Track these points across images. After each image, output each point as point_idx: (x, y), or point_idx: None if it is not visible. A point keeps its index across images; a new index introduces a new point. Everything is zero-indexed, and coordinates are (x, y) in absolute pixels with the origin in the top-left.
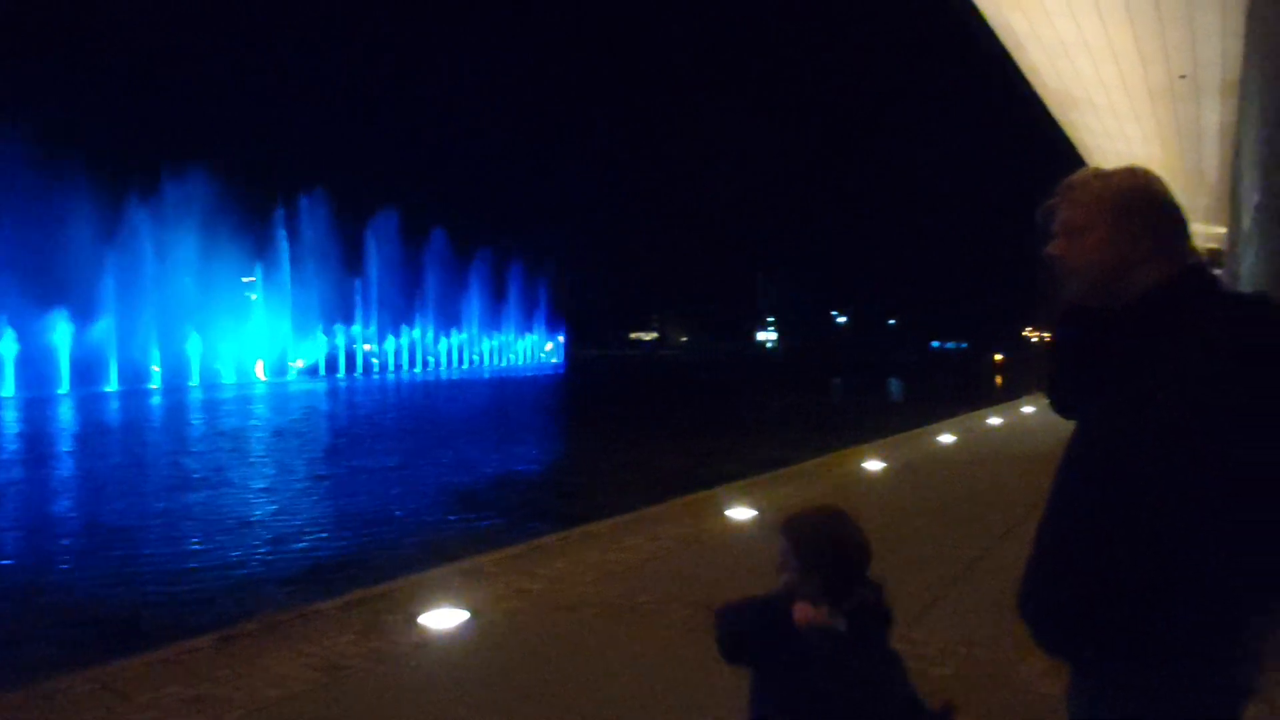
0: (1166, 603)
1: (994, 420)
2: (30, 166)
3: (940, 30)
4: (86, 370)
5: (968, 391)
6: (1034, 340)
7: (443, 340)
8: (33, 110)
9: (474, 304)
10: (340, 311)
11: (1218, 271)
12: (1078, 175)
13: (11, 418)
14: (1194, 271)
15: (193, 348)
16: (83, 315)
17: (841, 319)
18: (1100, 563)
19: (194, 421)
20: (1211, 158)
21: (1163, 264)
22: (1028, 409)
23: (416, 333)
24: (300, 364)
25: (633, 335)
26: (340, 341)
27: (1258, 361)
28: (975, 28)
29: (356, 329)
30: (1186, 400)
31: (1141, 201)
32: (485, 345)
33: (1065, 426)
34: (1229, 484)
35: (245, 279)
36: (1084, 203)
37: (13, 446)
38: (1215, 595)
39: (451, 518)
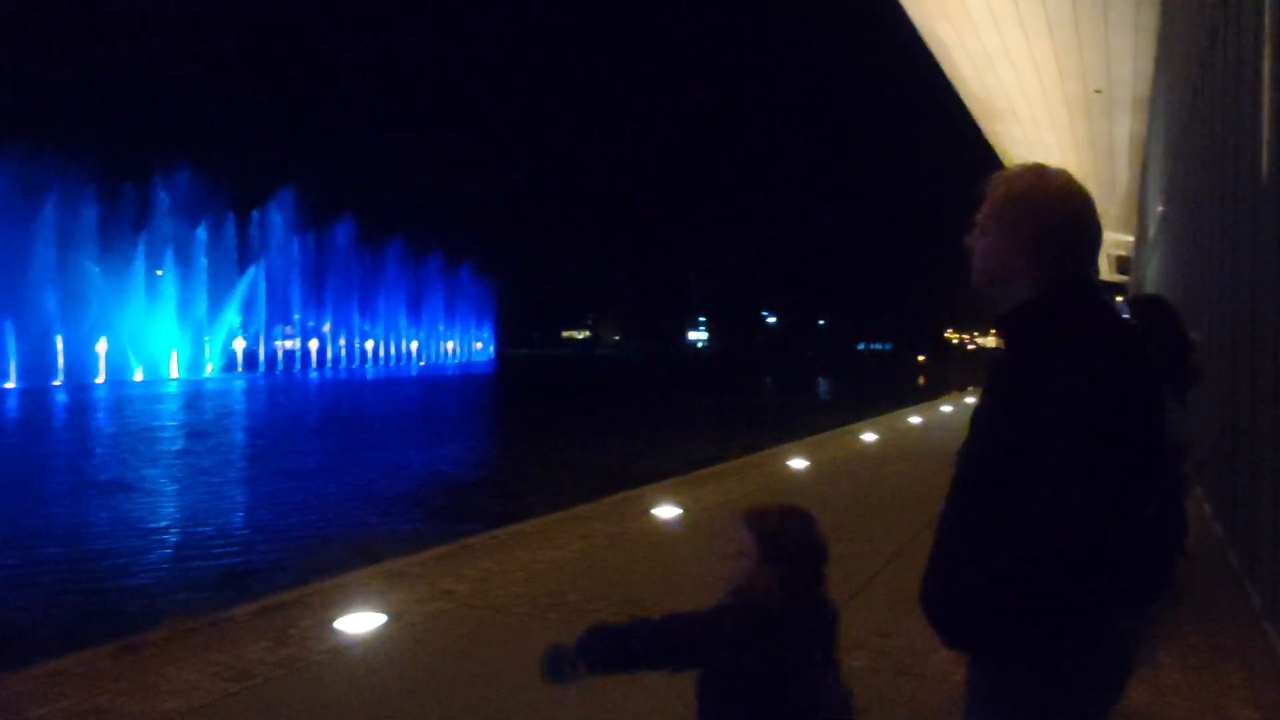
0: (1045, 598)
1: (915, 419)
2: None
3: (870, 37)
4: None
5: (891, 391)
6: (955, 342)
7: (367, 337)
8: None
9: (401, 300)
10: (259, 307)
11: (1124, 277)
12: (1003, 171)
13: None
14: (1064, 287)
15: (98, 343)
16: None
17: (772, 319)
18: (986, 559)
19: (101, 421)
20: (1122, 169)
21: (1037, 278)
22: (946, 408)
23: (342, 330)
24: (210, 368)
25: (565, 334)
26: (260, 338)
27: (1107, 374)
28: (905, 36)
29: (278, 325)
30: (1046, 410)
31: (1026, 214)
32: (412, 342)
33: None
34: (1079, 490)
35: (158, 272)
36: (987, 203)
37: None
38: (1087, 591)
39: (376, 519)
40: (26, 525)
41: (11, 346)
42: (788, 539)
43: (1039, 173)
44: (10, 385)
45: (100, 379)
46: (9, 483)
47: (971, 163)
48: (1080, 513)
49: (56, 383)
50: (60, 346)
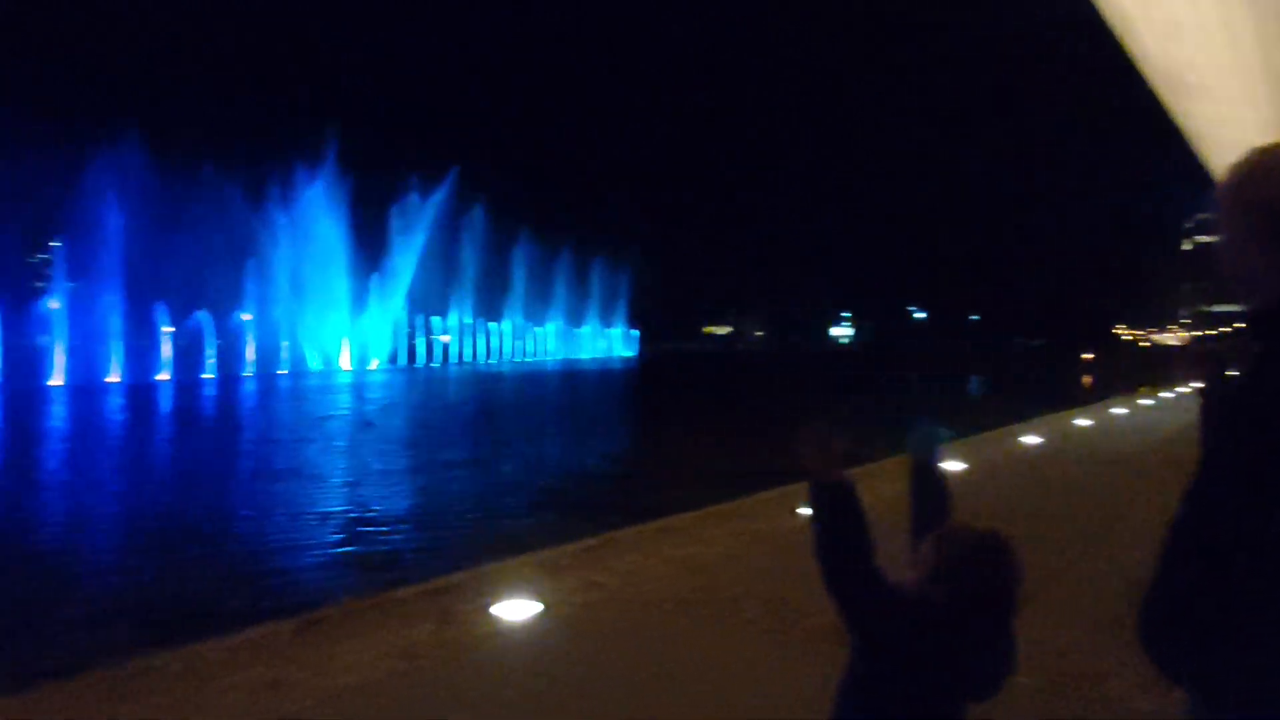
0: (1202, 602)
1: (1081, 421)
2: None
3: (1039, 19)
4: (185, 358)
5: (1052, 391)
6: (1125, 340)
7: (519, 332)
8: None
9: (540, 296)
10: (423, 302)
11: None
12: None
13: (116, 405)
14: None
15: (289, 336)
16: (180, 305)
17: (920, 314)
18: (1219, 585)
19: (282, 410)
20: None
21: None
22: (1118, 410)
23: (492, 325)
24: (375, 362)
25: (707, 329)
26: (420, 332)
27: None
28: (1079, 13)
29: (436, 320)
30: (1220, 410)
31: (1251, 198)
32: (556, 338)
33: (1158, 429)
34: (1224, 485)
35: (341, 270)
36: (1217, 199)
37: (107, 433)
38: (1242, 603)
39: (529, 510)
40: (219, 506)
41: (212, 340)
42: (965, 571)
43: (1262, 151)
44: (209, 376)
45: (283, 371)
46: (212, 468)
47: (1150, 147)
48: (1222, 507)
49: (247, 374)
50: (252, 340)
